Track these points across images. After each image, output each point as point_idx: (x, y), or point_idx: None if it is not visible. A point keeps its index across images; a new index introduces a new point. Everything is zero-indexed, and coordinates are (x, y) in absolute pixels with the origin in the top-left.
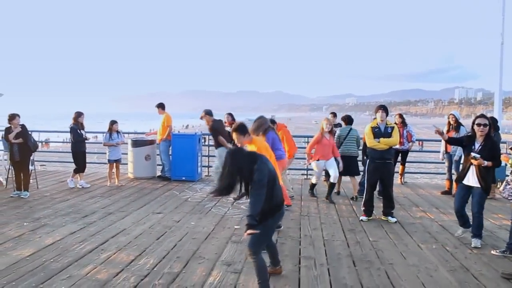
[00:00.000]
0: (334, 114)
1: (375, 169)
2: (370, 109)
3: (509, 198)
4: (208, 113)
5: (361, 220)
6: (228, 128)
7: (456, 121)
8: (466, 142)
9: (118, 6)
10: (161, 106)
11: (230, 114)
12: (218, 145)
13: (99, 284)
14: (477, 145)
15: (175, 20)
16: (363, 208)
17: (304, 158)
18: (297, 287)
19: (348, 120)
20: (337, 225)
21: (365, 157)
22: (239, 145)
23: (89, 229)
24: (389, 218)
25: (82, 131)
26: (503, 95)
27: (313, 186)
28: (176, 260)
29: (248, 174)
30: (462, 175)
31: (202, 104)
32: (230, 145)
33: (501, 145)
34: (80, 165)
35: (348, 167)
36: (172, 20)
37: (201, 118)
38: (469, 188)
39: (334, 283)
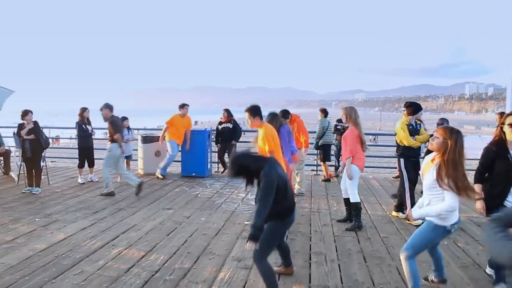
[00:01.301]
0: None
1: (413, 167)
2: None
3: None
4: (108, 106)
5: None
6: (224, 124)
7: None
8: (495, 152)
9: (130, 7)
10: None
11: (227, 110)
12: (112, 140)
13: (110, 279)
14: None
15: (187, 21)
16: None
17: (315, 154)
18: (308, 283)
19: (325, 112)
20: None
21: (397, 155)
22: (249, 126)
23: (100, 225)
24: (400, 213)
25: (88, 126)
26: None
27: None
28: (187, 256)
29: (256, 176)
30: (499, 199)
31: (212, 100)
32: (124, 143)
33: None
34: (83, 160)
35: (327, 154)
36: (184, 20)
37: (101, 110)
38: None
39: (345, 279)
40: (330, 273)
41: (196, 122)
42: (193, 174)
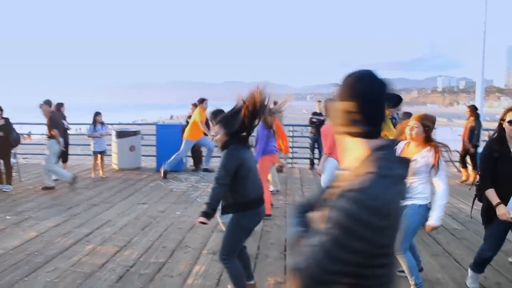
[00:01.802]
0: (321, 102)
1: None
2: None
3: None
4: (47, 103)
5: None
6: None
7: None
8: (497, 152)
9: (104, 3)
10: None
11: (195, 105)
12: (51, 136)
13: (84, 275)
14: None
15: (161, 17)
16: None
17: (291, 147)
18: (283, 274)
19: None
20: None
21: None
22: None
23: (74, 221)
24: None
25: (64, 122)
26: (485, 84)
27: None
28: (162, 250)
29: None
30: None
31: (188, 94)
32: (61, 140)
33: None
34: (59, 156)
35: None
36: (158, 16)
37: (40, 107)
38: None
39: None
40: None
41: (171, 117)
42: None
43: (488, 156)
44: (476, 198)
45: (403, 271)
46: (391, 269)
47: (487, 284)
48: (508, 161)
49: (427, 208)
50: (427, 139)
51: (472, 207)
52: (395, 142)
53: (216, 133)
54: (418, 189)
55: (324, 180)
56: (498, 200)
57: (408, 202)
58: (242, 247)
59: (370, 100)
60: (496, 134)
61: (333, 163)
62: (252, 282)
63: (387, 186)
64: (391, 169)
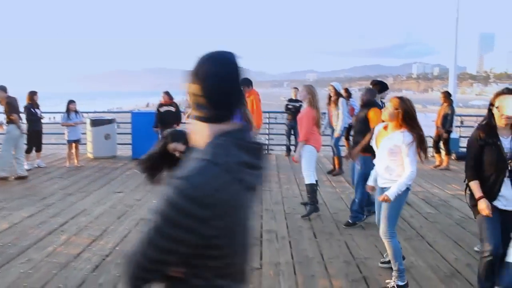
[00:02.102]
0: (297, 89)
1: None
2: None
3: None
4: (2, 88)
5: None
6: (166, 107)
7: (336, 93)
8: (482, 140)
9: None
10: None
11: (167, 93)
12: (9, 121)
13: (59, 265)
14: (508, 141)
15: (134, 1)
16: None
17: (265, 133)
18: (259, 260)
19: None
20: (298, 199)
21: None
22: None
23: (48, 211)
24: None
25: (37, 110)
26: (458, 70)
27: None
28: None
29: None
30: (491, 193)
31: (163, 81)
32: (22, 124)
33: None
34: (32, 146)
35: None
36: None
37: None
38: (506, 214)
39: (295, 255)
40: (281, 249)
41: (148, 104)
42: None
43: (474, 145)
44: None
45: (385, 263)
46: (231, 262)
47: (457, 266)
48: (496, 148)
49: (407, 190)
50: (402, 121)
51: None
52: (248, 127)
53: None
54: (396, 170)
55: (304, 166)
56: (481, 194)
57: (387, 185)
58: None
59: (214, 83)
60: (485, 121)
61: (309, 150)
62: None
63: (217, 175)
64: (230, 156)
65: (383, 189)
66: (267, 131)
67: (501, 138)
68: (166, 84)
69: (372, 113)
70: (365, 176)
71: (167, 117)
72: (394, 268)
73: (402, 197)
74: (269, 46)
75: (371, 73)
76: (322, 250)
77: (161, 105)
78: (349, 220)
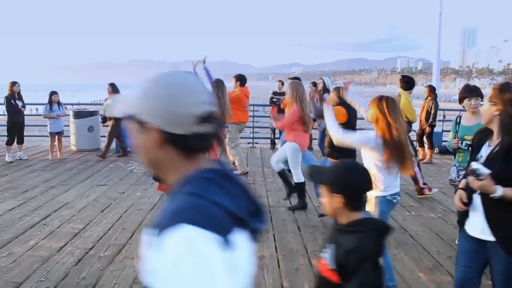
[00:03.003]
0: (282, 82)
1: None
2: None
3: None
4: None
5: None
6: (108, 100)
7: (324, 88)
8: (475, 141)
9: None
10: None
11: (111, 84)
12: None
13: (41, 259)
14: (485, 150)
15: None
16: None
17: (250, 127)
18: None
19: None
20: (282, 192)
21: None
22: None
23: (30, 204)
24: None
25: (18, 102)
26: (441, 65)
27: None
28: (122, 232)
29: None
30: (461, 216)
31: (149, 73)
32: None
33: (439, 112)
34: (13, 137)
35: None
36: None
37: None
38: (481, 242)
39: (279, 248)
40: (265, 242)
41: None
42: (128, 149)
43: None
44: None
45: None
46: None
47: (439, 259)
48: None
49: (387, 201)
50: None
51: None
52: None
53: None
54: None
55: (290, 165)
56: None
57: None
58: None
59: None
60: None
61: (293, 148)
62: None
63: None
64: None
65: None
66: (251, 124)
67: (486, 145)
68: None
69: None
70: None
71: None
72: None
73: (381, 206)
74: (255, 39)
75: (356, 67)
76: (306, 244)
77: (106, 99)
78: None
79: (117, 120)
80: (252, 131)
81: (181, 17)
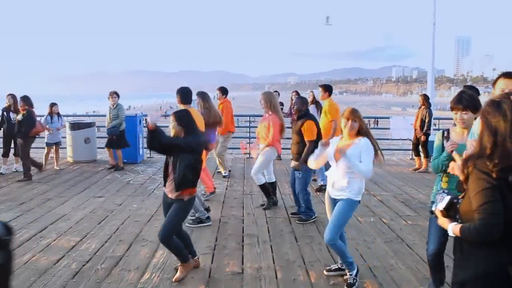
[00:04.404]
0: (278, 94)
1: None
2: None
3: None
4: None
5: None
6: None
7: (313, 100)
8: None
9: None
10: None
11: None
12: None
13: (38, 272)
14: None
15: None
16: None
17: (246, 137)
18: (241, 265)
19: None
20: (279, 203)
21: None
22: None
23: (26, 217)
24: None
25: (12, 114)
26: (436, 74)
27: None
28: (119, 244)
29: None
30: None
31: (144, 84)
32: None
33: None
34: (7, 149)
35: None
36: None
37: None
38: None
39: (277, 259)
40: (263, 253)
41: (128, 107)
42: (125, 160)
43: None
44: None
45: (330, 270)
46: None
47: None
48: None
49: (357, 203)
50: (358, 132)
51: None
52: None
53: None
54: (349, 183)
55: (260, 165)
56: None
57: (343, 196)
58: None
59: None
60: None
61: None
62: (196, 258)
63: None
64: None
65: (335, 200)
66: (247, 135)
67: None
68: (147, 86)
69: (306, 126)
70: (305, 183)
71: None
72: (345, 263)
73: (353, 209)
74: (249, 48)
75: (351, 76)
76: (304, 254)
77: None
78: (302, 217)
79: (26, 140)
80: (248, 141)
81: (176, 27)
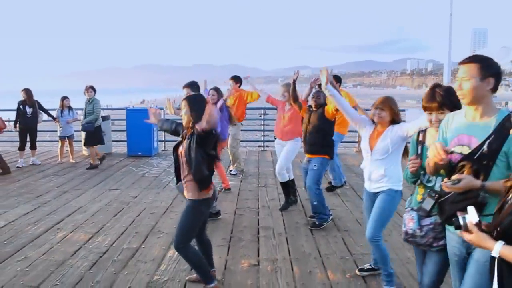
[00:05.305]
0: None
1: None
2: None
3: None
4: None
5: None
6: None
7: None
8: None
9: None
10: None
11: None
12: None
13: (56, 263)
14: None
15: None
16: None
17: (261, 130)
18: (257, 257)
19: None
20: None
21: None
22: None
23: (44, 209)
24: None
25: (28, 108)
26: (452, 66)
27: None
28: (135, 236)
29: None
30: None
31: (157, 78)
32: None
33: None
34: (23, 142)
35: None
36: None
37: None
38: None
39: (292, 251)
40: (278, 246)
41: (143, 101)
42: (139, 153)
43: None
44: None
45: (363, 270)
46: None
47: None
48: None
49: (400, 194)
50: (393, 122)
51: None
52: None
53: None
54: (386, 170)
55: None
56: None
57: (383, 187)
58: (203, 234)
59: None
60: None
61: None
62: (212, 270)
63: None
64: None
65: (375, 195)
66: (262, 127)
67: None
68: (160, 80)
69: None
70: (319, 177)
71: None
72: (384, 272)
73: (396, 202)
74: (262, 42)
75: (364, 69)
76: (319, 246)
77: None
78: (316, 222)
79: None
80: (263, 134)
81: (189, 21)
